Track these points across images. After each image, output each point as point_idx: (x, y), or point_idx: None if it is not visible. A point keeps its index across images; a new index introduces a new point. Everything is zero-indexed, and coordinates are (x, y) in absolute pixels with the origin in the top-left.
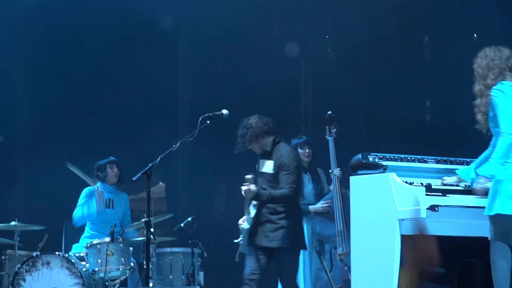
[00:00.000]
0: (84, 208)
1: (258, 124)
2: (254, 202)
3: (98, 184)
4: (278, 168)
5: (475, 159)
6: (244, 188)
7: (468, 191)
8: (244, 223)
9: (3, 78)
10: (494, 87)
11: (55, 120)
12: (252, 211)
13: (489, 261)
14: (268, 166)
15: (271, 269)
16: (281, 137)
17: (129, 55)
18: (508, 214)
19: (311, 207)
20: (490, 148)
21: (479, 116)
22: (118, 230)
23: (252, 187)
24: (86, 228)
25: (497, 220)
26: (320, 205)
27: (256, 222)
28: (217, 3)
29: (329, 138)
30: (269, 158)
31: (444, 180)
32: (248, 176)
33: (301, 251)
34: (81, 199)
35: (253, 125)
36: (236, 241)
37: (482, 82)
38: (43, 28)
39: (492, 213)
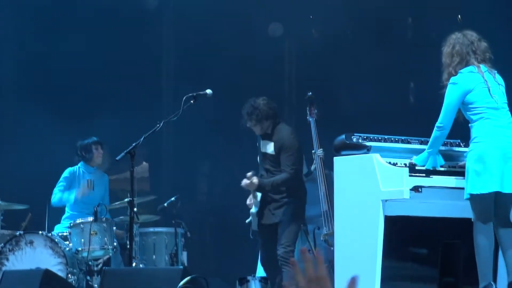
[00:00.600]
0: (64, 194)
1: (265, 107)
2: None
3: (80, 164)
4: (278, 149)
5: (457, 140)
6: (246, 182)
7: (451, 172)
8: (252, 207)
9: None
10: (451, 78)
11: (39, 92)
12: (259, 194)
13: (472, 242)
14: (270, 147)
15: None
16: (281, 119)
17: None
18: (478, 193)
19: None
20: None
21: None
22: (101, 210)
23: (255, 179)
24: (66, 209)
25: (472, 201)
26: None
27: (263, 204)
28: None
29: (310, 119)
30: (270, 139)
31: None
32: (249, 174)
33: None
34: (61, 180)
35: (261, 107)
36: (247, 221)
37: (446, 71)
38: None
39: (466, 196)
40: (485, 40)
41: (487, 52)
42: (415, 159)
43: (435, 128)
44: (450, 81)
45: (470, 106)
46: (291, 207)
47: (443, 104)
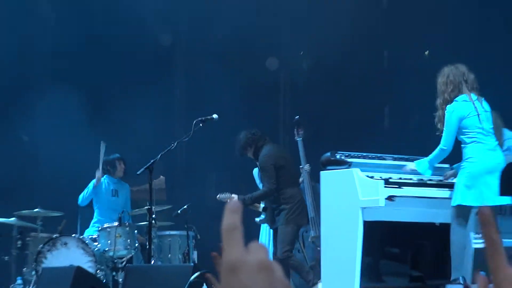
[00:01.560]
0: (84, 190)
1: (244, 138)
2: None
3: (105, 176)
4: (260, 170)
5: (425, 157)
6: (228, 202)
7: (420, 184)
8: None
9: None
10: (448, 106)
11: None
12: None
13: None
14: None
15: None
16: (265, 141)
17: (136, 61)
18: (467, 205)
19: None
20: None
21: (439, 126)
22: (125, 216)
23: (234, 198)
24: (95, 215)
25: (457, 209)
26: None
27: (270, 212)
28: (210, 23)
29: (297, 139)
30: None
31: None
32: (221, 196)
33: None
34: (88, 190)
35: (241, 139)
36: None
37: (442, 97)
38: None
39: (454, 204)
40: (472, 72)
41: (475, 83)
42: (416, 164)
43: (439, 149)
44: (448, 109)
45: (464, 130)
46: (284, 213)
47: (444, 129)
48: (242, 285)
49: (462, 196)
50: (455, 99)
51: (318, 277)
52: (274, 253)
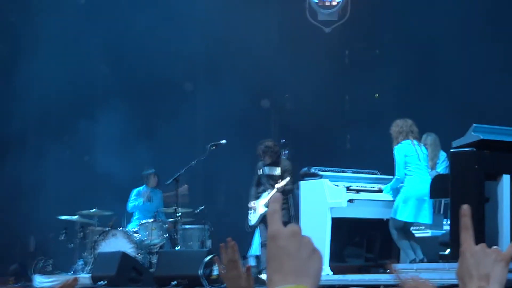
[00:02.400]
0: (135, 202)
1: (273, 147)
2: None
3: (143, 186)
4: (282, 172)
5: (375, 170)
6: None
7: (372, 190)
8: (257, 209)
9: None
10: (395, 147)
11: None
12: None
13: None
14: (277, 170)
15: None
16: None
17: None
18: (398, 219)
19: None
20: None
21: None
22: (159, 214)
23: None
24: (135, 214)
25: (391, 219)
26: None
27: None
28: (221, 74)
29: (283, 157)
30: (277, 166)
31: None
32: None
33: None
34: (132, 196)
35: (272, 147)
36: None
37: (395, 141)
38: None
39: (391, 216)
40: (416, 125)
41: (417, 133)
42: (384, 189)
43: (395, 178)
44: (396, 149)
45: (406, 165)
46: (286, 212)
47: (395, 164)
48: (279, 247)
49: (397, 212)
50: (401, 142)
51: None
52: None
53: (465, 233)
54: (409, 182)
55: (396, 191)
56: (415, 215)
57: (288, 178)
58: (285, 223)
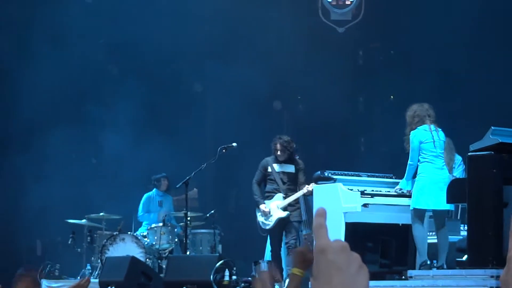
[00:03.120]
0: (146, 215)
1: (291, 143)
2: (281, 195)
3: (154, 190)
4: (297, 170)
5: (390, 174)
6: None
7: (387, 195)
8: (275, 214)
9: None
10: (412, 131)
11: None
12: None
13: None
14: (291, 168)
15: (260, 243)
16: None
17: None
18: (417, 207)
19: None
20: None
21: (406, 147)
22: (168, 218)
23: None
24: (146, 220)
25: (413, 210)
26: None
27: (285, 208)
28: (230, 75)
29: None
30: (292, 163)
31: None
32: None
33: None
34: (143, 204)
35: (290, 143)
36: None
37: (409, 127)
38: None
39: (411, 207)
40: (434, 109)
41: (434, 117)
42: (400, 184)
43: (408, 164)
44: (412, 134)
45: (421, 152)
46: (299, 212)
47: (410, 149)
48: (329, 261)
49: (415, 201)
50: (418, 127)
51: None
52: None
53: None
54: (424, 169)
55: (413, 182)
56: (434, 202)
57: (312, 184)
58: (298, 223)
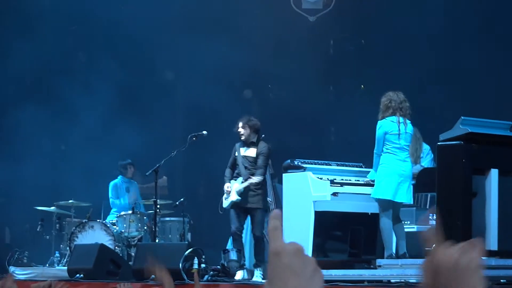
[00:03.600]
0: (117, 200)
1: (258, 124)
2: (241, 179)
3: (119, 177)
4: (257, 154)
5: (360, 163)
6: (232, 188)
7: (356, 184)
8: (231, 196)
9: None
10: (379, 121)
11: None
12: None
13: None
14: (252, 151)
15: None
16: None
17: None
18: (380, 197)
19: None
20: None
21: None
22: (137, 206)
23: (241, 188)
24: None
25: (377, 201)
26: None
27: (245, 191)
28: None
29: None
30: (254, 147)
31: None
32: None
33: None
34: (111, 191)
35: (254, 120)
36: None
37: (381, 114)
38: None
39: (373, 197)
40: (408, 101)
41: (408, 109)
42: (369, 176)
43: (374, 154)
44: (378, 124)
45: (385, 142)
46: (260, 197)
47: (376, 139)
48: (283, 264)
49: (376, 191)
50: (385, 117)
51: None
52: (238, 228)
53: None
54: (386, 160)
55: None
56: (394, 193)
57: (259, 177)
58: (261, 210)
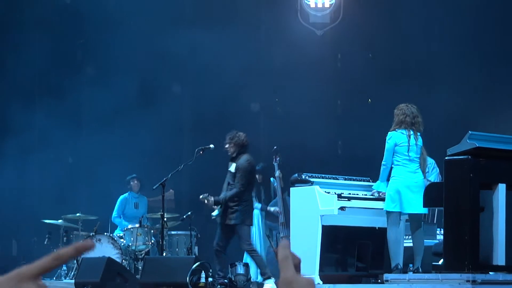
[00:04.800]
0: (119, 219)
1: (241, 138)
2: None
3: (129, 191)
4: (236, 170)
5: (367, 177)
6: (206, 201)
7: (364, 198)
8: (214, 212)
9: None
10: (389, 132)
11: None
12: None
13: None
14: (233, 167)
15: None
16: (247, 149)
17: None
18: (390, 210)
19: (268, 208)
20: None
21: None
22: (144, 219)
23: (211, 199)
24: (122, 219)
25: (387, 213)
26: (273, 209)
27: (225, 208)
28: (211, 77)
29: (274, 163)
30: (235, 162)
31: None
32: (203, 195)
33: (256, 236)
34: (117, 206)
35: (238, 137)
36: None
37: (394, 126)
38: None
39: (385, 209)
40: (420, 114)
41: (419, 123)
42: (374, 186)
43: (381, 165)
44: (388, 135)
45: (395, 154)
46: (239, 213)
47: (385, 150)
48: None
49: (388, 204)
50: (396, 129)
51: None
52: (217, 244)
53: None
54: (397, 172)
55: (383, 182)
56: (407, 205)
57: (211, 198)
58: (235, 226)
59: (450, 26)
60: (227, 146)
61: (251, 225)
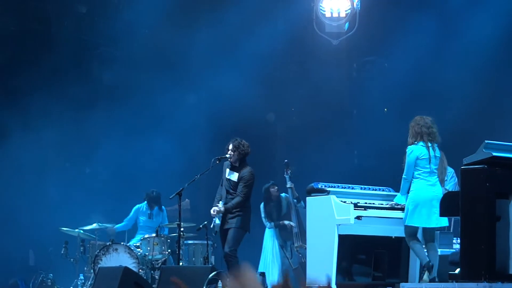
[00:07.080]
0: (127, 222)
1: (244, 146)
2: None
3: (145, 203)
4: (239, 179)
5: (388, 187)
6: (216, 209)
7: (380, 207)
8: (216, 219)
9: None
10: (409, 146)
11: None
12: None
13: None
14: (235, 176)
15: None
16: (246, 160)
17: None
18: (409, 225)
19: (286, 222)
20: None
21: (404, 159)
22: (161, 229)
23: (222, 209)
24: (138, 231)
25: (405, 226)
26: (287, 223)
27: (224, 214)
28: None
29: (286, 176)
30: (237, 171)
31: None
32: (214, 210)
33: (274, 246)
34: (130, 214)
35: (244, 146)
36: (212, 225)
37: (410, 139)
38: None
39: (404, 223)
40: (435, 124)
41: (435, 133)
42: (396, 199)
43: (402, 178)
44: (408, 149)
45: (416, 167)
46: (240, 219)
47: (405, 163)
48: None
49: (408, 219)
50: (415, 142)
51: (299, 277)
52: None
53: None
54: (417, 186)
55: (404, 195)
56: (427, 219)
57: (220, 207)
58: (235, 229)
59: (466, 32)
60: (230, 153)
61: (248, 231)
